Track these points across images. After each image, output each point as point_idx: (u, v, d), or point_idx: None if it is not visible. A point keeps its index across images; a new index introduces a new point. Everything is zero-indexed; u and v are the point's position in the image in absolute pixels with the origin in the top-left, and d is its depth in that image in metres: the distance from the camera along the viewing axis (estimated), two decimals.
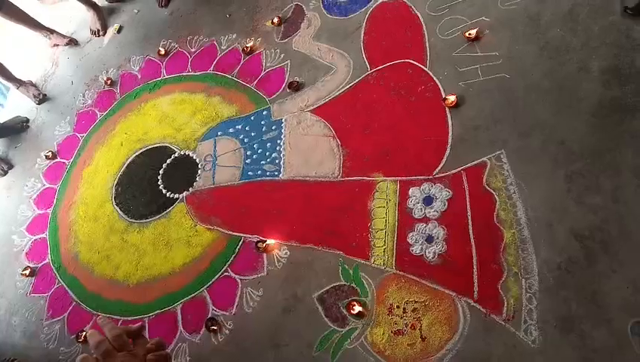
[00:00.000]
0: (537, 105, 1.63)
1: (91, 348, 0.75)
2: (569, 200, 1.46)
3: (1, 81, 3.30)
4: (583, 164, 1.48)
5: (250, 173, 2.10)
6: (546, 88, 1.64)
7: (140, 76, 2.86)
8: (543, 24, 1.75)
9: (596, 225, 1.40)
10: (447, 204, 1.63)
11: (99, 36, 3.27)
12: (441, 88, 1.84)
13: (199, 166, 2.27)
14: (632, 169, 1.42)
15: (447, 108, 1.78)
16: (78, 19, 3.49)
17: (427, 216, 1.64)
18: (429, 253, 1.58)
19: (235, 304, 1.85)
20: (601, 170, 1.46)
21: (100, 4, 3.30)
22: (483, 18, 1.87)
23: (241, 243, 1.96)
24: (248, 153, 2.15)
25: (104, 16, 3.29)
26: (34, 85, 3.29)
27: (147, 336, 0.84)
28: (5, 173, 3.03)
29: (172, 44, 2.84)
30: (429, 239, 1.60)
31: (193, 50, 2.72)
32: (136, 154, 2.55)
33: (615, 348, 1.26)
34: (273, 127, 2.15)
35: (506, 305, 1.41)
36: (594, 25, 1.65)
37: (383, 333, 1.54)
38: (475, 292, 1.47)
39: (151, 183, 2.38)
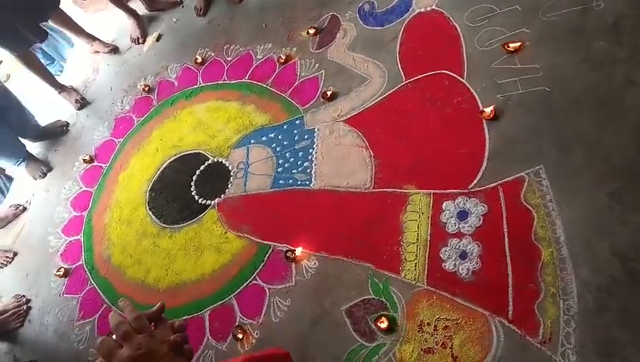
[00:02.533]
0: (579, 120, 1.57)
1: (112, 330, 0.77)
2: (612, 218, 1.39)
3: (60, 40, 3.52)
4: (627, 181, 1.41)
5: (281, 181, 2.09)
6: (588, 102, 1.58)
7: (176, 83, 2.91)
8: (585, 36, 1.68)
9: None
10: (482, 219, 1.58)
11: (138, 44, 3.35)
12: (478, 100, 1.79)
13: (231, 173, 2.28)
14: None
15: (484, 121, 1.74)
16: (119, 27, 3.59)
17: (461, 231, 1.59)
18: (462, 269, 1.53)
19: (263, 313, 1.83)
20: None
21: (140, 13, 3.39)
22: (523, 29, 1.82)
23: (270, 251, 1.95)
24: (280, 162, 2.15)
25: (144, 25, 3.38)
26: (75, 90, 3.38)
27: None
28: (44, 175, 3.12)
29: (209, 53, 2.88)
30: (463, 255, 1.55)
31: (229, 58, 2.75)
32: (171, 160, 2.59)
33: None
34: (306, 137, 2.14)
35: (542, 326, 1.35)
36: None
37: (413, 351, 1.49)
38: (510, 312, 1.41)
39: (184, 189, 2.40)
